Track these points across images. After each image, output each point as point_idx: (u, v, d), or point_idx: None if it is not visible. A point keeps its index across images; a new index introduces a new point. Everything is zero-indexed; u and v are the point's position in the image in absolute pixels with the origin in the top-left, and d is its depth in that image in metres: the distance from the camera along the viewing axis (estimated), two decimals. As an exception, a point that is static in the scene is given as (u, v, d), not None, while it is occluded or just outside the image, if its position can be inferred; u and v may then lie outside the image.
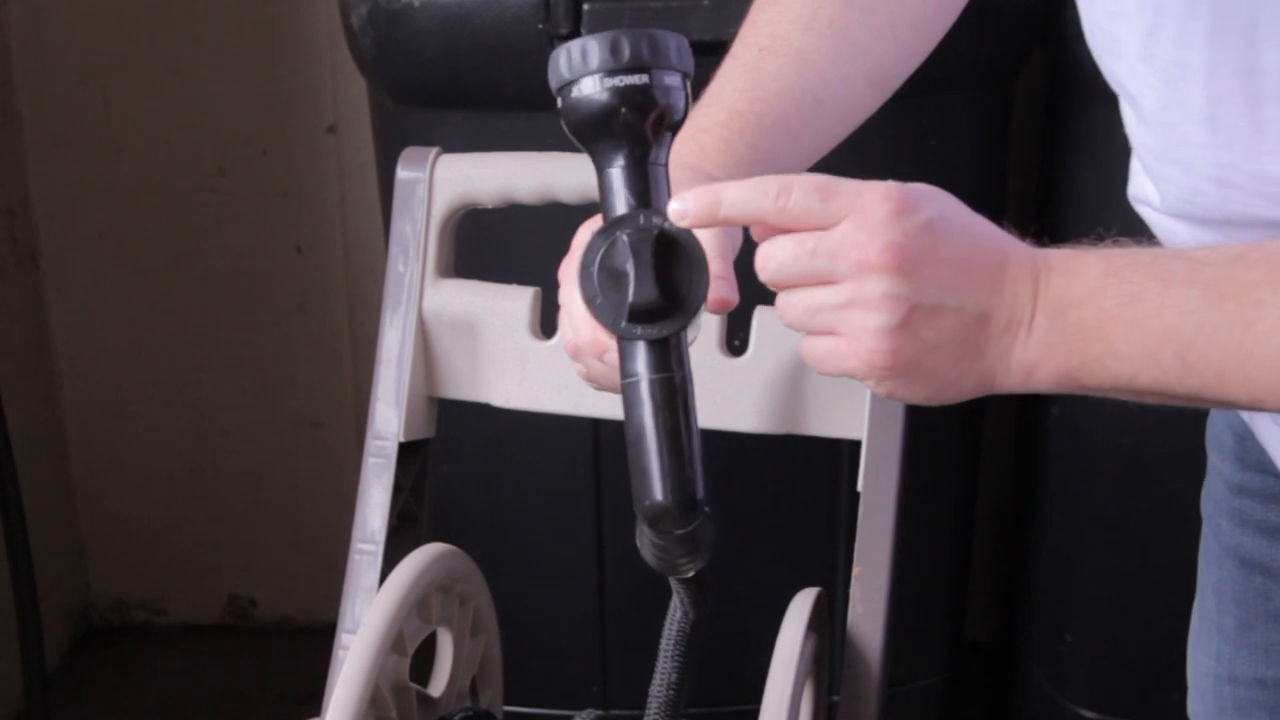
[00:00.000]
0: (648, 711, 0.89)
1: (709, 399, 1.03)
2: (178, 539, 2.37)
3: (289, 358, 2.27)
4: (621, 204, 0.73)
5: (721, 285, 0.78)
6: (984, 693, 2.16)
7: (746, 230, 0.81)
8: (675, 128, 0.75)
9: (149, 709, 2.25)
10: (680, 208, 0.73)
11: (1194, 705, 1.09)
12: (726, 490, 1.68)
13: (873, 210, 0.70)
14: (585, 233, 0.84)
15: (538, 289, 1.11)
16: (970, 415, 1.84)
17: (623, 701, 1.83)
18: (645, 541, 0.78)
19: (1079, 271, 0.71)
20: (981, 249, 0.72)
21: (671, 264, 0.72)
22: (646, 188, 0.73)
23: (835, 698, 1.04)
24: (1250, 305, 0.67)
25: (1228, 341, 0.68)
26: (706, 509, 0.75)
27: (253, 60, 2.13)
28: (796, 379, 1.06)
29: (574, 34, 1.51)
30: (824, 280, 0.72)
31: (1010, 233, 0.74)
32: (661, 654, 0.88)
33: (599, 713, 1.52)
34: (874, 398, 1.05)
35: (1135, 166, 0.89)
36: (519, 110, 1.55)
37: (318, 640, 1.36)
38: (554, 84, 0.74)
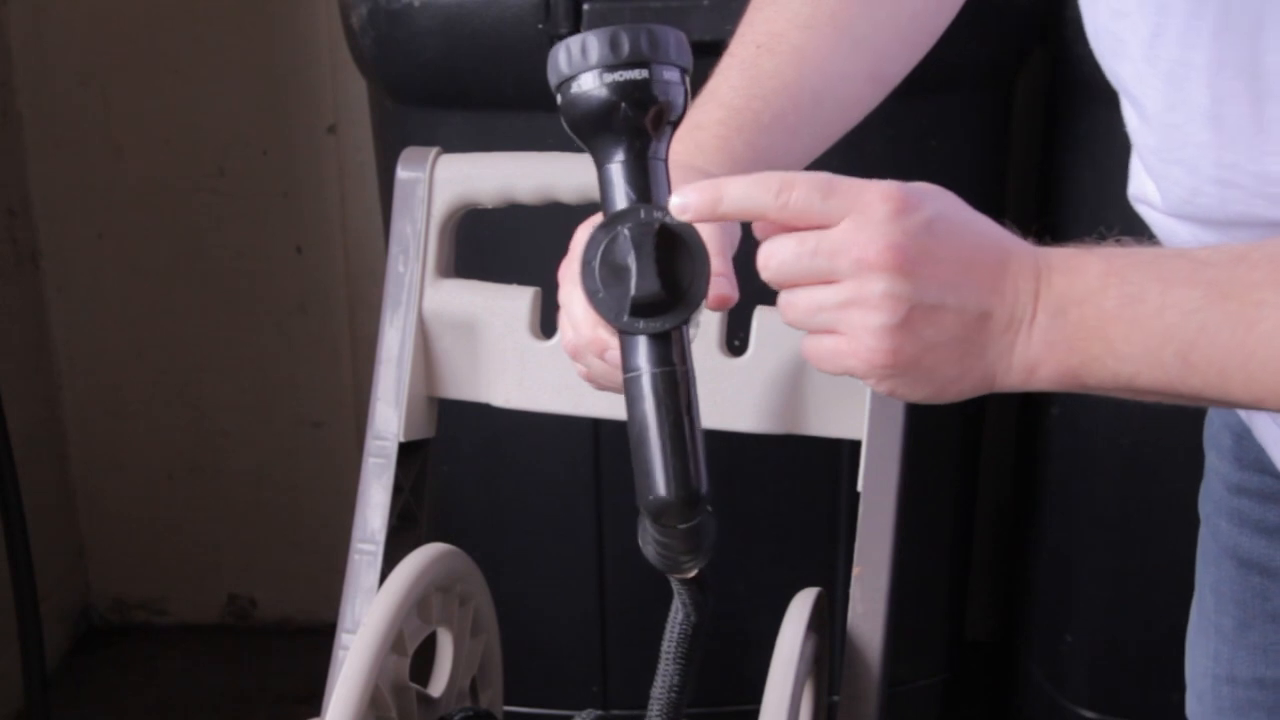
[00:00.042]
0: (649, 713, 0.89)
1: (709, 399, 1.03)
2: (178, 539, 2.37)
3: (289, 358, 2.27)
4: (622, 199, 0.73)
5: (721, 282, 0.78)
6: (984, 693, 2.16)
7: (746, 229, 0.81)
8: (675, 123, 0.75)
9: (149, 709, 2.25)
10: (682, 202, 0.73)
11: (1192, 705, 1.09)
12: (726, 490, 1.68)
13: (874, 209, 0.70)
14: (584, 232, 0.84)
15: (538, 289, 1.11)
16: (971, 415, 1.84)
17: (623, 701, 1.83)
18: (648, 538, 0.78)
19: (1080, 271, 0.71)
20: (983, 248, 0.72)
21: (673, 257, 0.72)
22: (647, 182, 0.73)
23: (835, 698, 1.04)
24: (1253, 305, 0.67)
25: (1230, 341, 0.68)
26: (709, 507, 0.75)
27: (253, 60, 2.13)
28: (796, 379, 1.06)
29: (574, 34, 1.51)
30: (825, 279, 0.72)
31: (1012, 231, 0.74)
32: (663, 656, 0.88)
33: (599, 713, 1.52)
34: (874, 397, 1.05)
35: (1135, 166, 0.89)
36: (519, 110, 1.55)
37: (318, 640, 1.36)
38: (553, 80, 0.74)
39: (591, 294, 0.72)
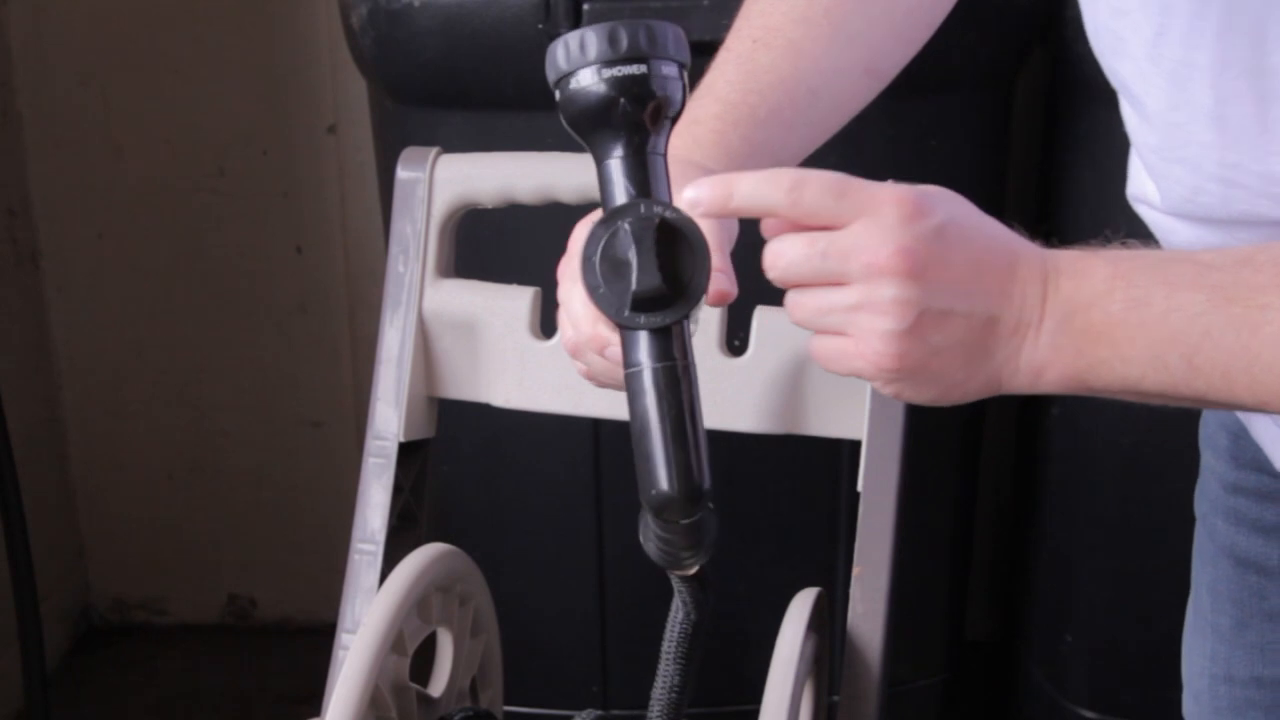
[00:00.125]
0: (650, 713, 0.89)
1: (709, 399, 1.03)
2: (178, 539, 2.37)
3: (289, 358, 2.27)
4: (621, 194, 0.73)
5: (720, 278, 0.78)
6: (984, 693, 2.15)
7: (744, 227, 0.81)
8: (674, 118, 0.75)
9: (149, 709, 2.25)
10: (695, 196, 0.73)
11: (1189, 705, 1.08)
12: (726, 490, 1.68)
13: (886, 212, 0.70)
14: (583, 229, 0.84)
15: (538, 289, 1.11)
16: (971, 415, 1.84)
17: (623, 701, 1.82)
18: (649, 535, 0.78)
19: (1087, 274, 0.71)
20: (992, 251, 0.72)
21: (674, 252, 0.72)
22: (646, 177, 0.73)
23: (835, 698, 1.04)
24: (1257, 309, 0.67)
25: (1234, 345, 0.68)
26: (710, 504, 0.75)
27: (253, 60, 2.13)
28: (796, 379, 1.06)
29: (574, 34, 1.51)
30: (834, 281, 0.72)
31: (1019, 233, 0.74)
32: (663, 655, 0.88)
33: (599, 713, 1.52)
34: (874, 398, 1.05)
35: (1134, 165, 0.89)
36: (519, 110, 1.55)
37: (318, 640, 1.36)
38: (552, 77, 0.73)
39: (592, 290, 0.72)
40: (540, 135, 1.23)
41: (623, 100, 0.72)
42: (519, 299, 1.11)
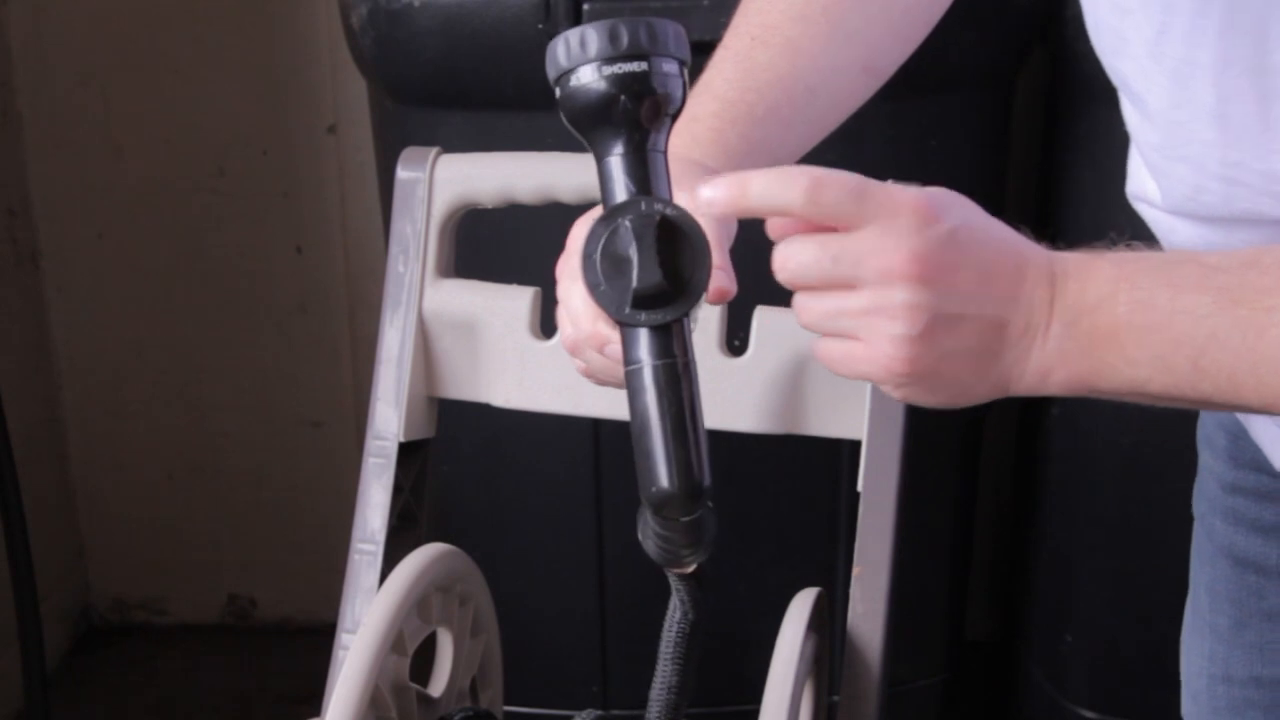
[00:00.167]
0: (649, 713, 0.89)
1: (709, 399, 1.02)
2: (178, 539, 2.37)
3: (289, 358, 2.27)
4: (622, 191, 0.73)
5: (720, 276, 0.78)
6: (984, 693, 2.15)
7: (743, 226, 0.81)
8: (674, 115, 0.75)
9: (149, 709, 2.25)
10: (711, 195, 0.73)
11: (1187, 705, 1.08)
12: (726, 490, 1.68)
13: (900, 217, 0.70)
14: (582, 227, 0.83)
15: (538, 289, 1.11)
16: (971, 415, 1.84)
17: (623, 701, 1.82)
18: (649, 532, 0.78)
19: (1092, 277, 0.71)
20: (1001, 255, 0.72)
21: (674, 249, 0.72)
22: (647, 175, 0.73)
23: (835, 698, 1.04)
24: (1263, 311, 0.67)
25: (1240, 347, 0.68)
26: (710, 502, 0.75)
27: (253, 60, 2.13)
28: (796, 379, 1.06)
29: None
30: (845, 285, 0.72)
31: (1025, 235, 0.74)
32: (661, 655, 0.88)
33: (599, 713, 1.52)
34: (874, 398, 1.05)
35: (1134, 163, 0.89)
36: (519, 110, 1.55)
37: (318, 640, 1.36)
38: (552, 74, 0.73)
39: (593, 287, 0.72)
40: (540, 135, 1.23)
41: (623, 97, 0.72)
42: (519, 299, 1.11)
